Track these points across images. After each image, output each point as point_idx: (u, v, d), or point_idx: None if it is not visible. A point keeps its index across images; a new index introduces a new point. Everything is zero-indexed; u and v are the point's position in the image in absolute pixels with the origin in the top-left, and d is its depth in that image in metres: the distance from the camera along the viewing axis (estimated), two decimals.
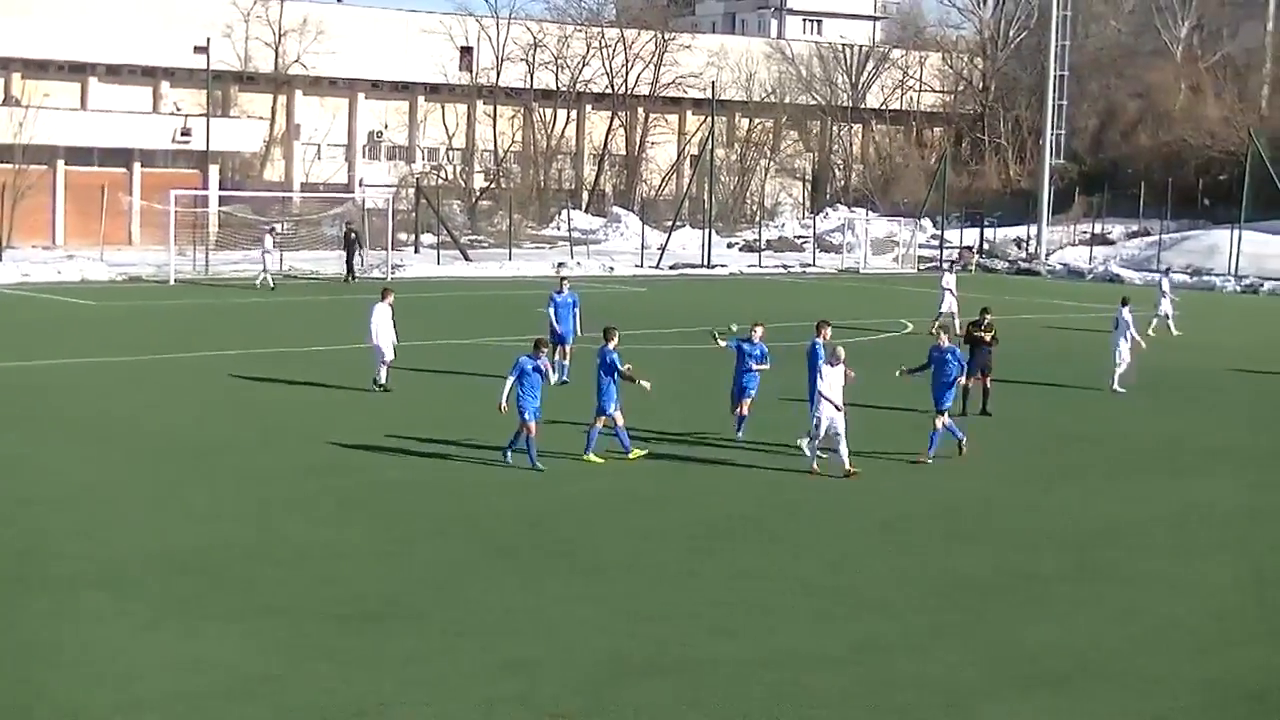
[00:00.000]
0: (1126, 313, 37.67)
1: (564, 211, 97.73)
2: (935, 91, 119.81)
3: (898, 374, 28.89)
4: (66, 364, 39.28)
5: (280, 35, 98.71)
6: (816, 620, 18.25)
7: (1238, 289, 75.35)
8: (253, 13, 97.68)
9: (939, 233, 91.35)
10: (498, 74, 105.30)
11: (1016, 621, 18.39)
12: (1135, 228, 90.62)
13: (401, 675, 15.90)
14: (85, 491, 24.40)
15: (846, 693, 15.82)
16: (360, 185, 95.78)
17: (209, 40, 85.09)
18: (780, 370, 31.23)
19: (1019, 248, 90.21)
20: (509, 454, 26.59)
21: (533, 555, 20.95)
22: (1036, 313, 58.98)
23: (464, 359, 40.50)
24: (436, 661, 16.41)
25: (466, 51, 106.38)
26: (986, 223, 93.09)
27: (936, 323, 42.22)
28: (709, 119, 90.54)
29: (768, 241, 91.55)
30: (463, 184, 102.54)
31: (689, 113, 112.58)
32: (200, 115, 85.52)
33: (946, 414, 28.07)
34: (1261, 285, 75.09)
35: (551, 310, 37.44)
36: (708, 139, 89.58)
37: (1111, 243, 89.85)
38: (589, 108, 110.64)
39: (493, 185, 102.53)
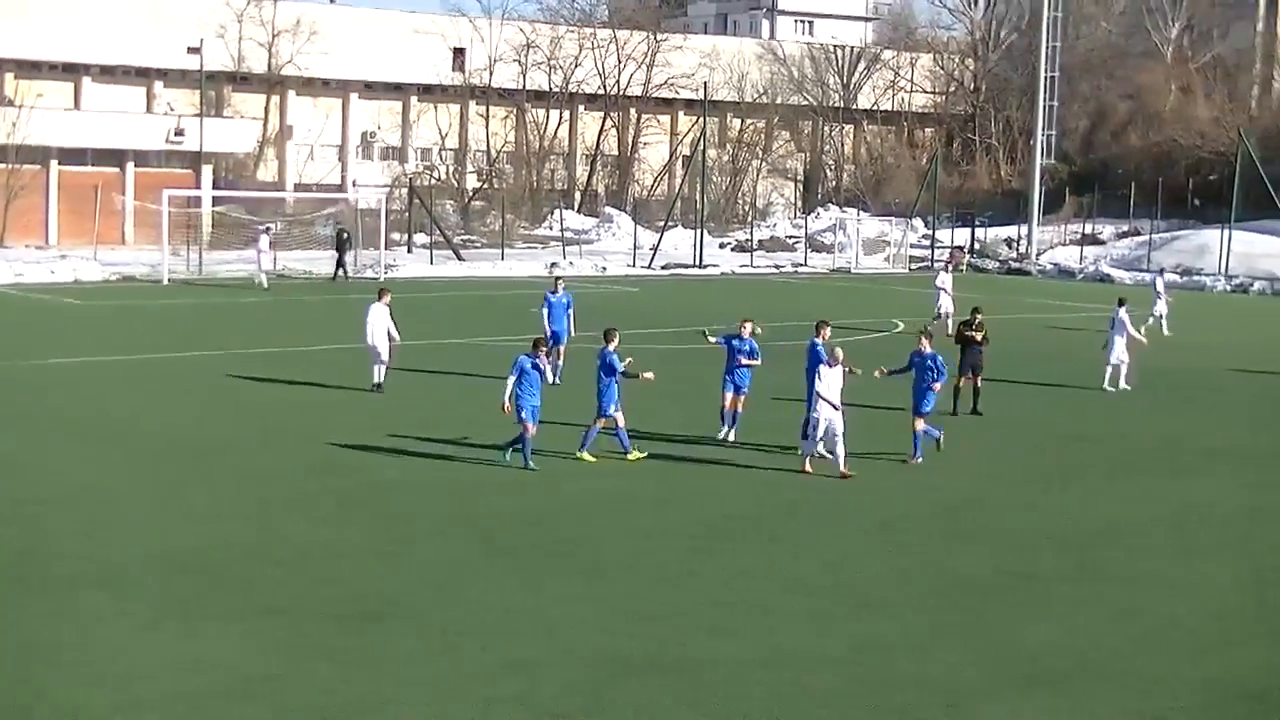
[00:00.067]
0: (1123, 313, 37.71)
1: (556, 212, 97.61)
2: (926, 92, 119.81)
3: (876, 374, 28.63)
4: (62, 363, 39.16)
5: (273, 36, 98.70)
6: (816, 620, 18.20)
7: (1228, 289, 75.39)
8: (246, 13, 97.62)
9: (930, 233, 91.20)
10: (490, 74, 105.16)
11: (1016, 621, 18.35)
12: (1125, 228, 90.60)
13: (401, 675, 15.84)
14: (85, 491, 24.32)
15: (846, 693, 15.78)
16: (353, 185, 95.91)
17: (202, 41, 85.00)
18: (774, 370, 31.19)
19: (1010, 248, 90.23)
20: (508, 454, 26.54)
21: (533, 555, 20.88)
22: (1028, 313, 58.97)
23: (460, 359, 40.45)
24: (436, 661, 16.35)
25: (459, 52, 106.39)
26: (977, 223, 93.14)
27: (932, 323, 42.24)
28: (701, 119, 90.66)
29: (759, 242, 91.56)
30: (456, 184, 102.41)
31: (681, 113, 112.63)
32: (194, 115, 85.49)
33: (924, 418, 27.94)
34: (1251, 285, 75.18)
35: (545, 310, 37.35)
36: (700, 139, 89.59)
37: (1102, 243, 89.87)
38: (581, 108, 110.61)
39: (485, 185, 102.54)
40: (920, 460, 27.73)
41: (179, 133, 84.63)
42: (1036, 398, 37.10)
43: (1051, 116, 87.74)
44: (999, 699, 15.81)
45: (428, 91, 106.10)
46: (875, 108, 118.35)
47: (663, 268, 79.49)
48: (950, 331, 41.50)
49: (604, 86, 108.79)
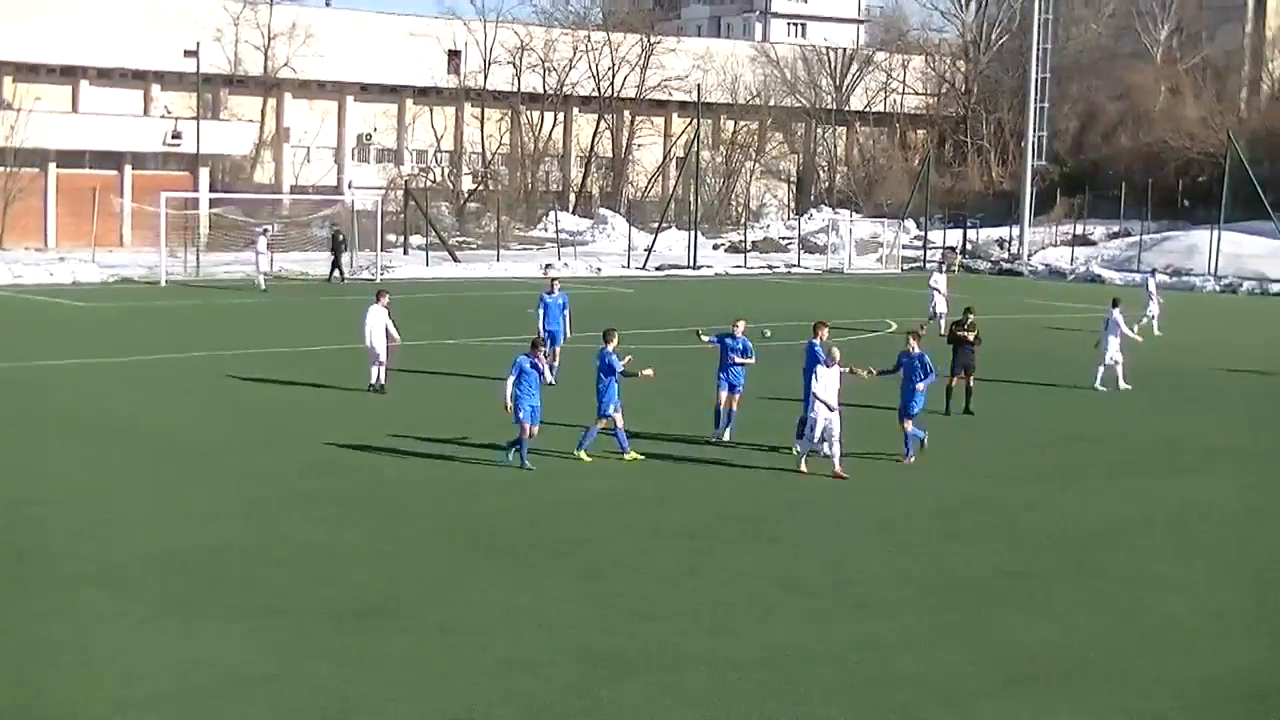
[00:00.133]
0: (1117, 313, 37.68)
1: (551, 213, 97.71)
2: (918, 94, 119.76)
3: (865, 374, 28.39)
4: (62, 364, 39.04)
5: (270, 39, 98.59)
6: (816, 620, 18.07)
7: (1217, 289, 75.45)
8: (242, 16, 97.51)
9: (922, 234, 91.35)
10: (485, 77, 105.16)
11: (1016, 621, 18.21)
12: (1116, 228, 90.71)
13: (401, 675, 15.72)
14: (85, 491, 24.17)
15: (846, 692, 15.65)
16: (349, 187, 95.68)
17: (199, 44, 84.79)
18: (767, 370, 31.07)
19: (1001, 248, 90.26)
20: (510, 454, 26.41)
21: (532, 555, 20.73)
22: (1020, 313, 58.92)
23: (457, 359, 40.39)
24: (436, 661, 16.23)
25: (454, 55, 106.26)
26: (969, 224, 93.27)
27: (927, 323, 42.12)
28: (694, 121, 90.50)
29: (753, 242, 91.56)
30: (451, 186, 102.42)
31: (675, 115, 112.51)
32: (190, 118, 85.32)
33: (913, 419, 27.78)
34: (1240, 285, 75.24)
35: (540, 311, 37.23)
36: (693, 141, 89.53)
37: (1093, 243, 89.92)
38: (576, 110, 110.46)
39: (481, 187, 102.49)
40: (913, 459, 27.60)
41: (176, 135, 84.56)
42: (1035, 397, 36.98)
43: (1042, 118, 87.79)
44: (999, 699, 15.68)
45: (423, 94, 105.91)
46: (868, 109, 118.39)
47: (657, 269, 79.48)
48: (943, 332, 41.45)
49: (598, 89, 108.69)
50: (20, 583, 18.79)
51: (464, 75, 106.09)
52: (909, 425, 27.69)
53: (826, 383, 26.08)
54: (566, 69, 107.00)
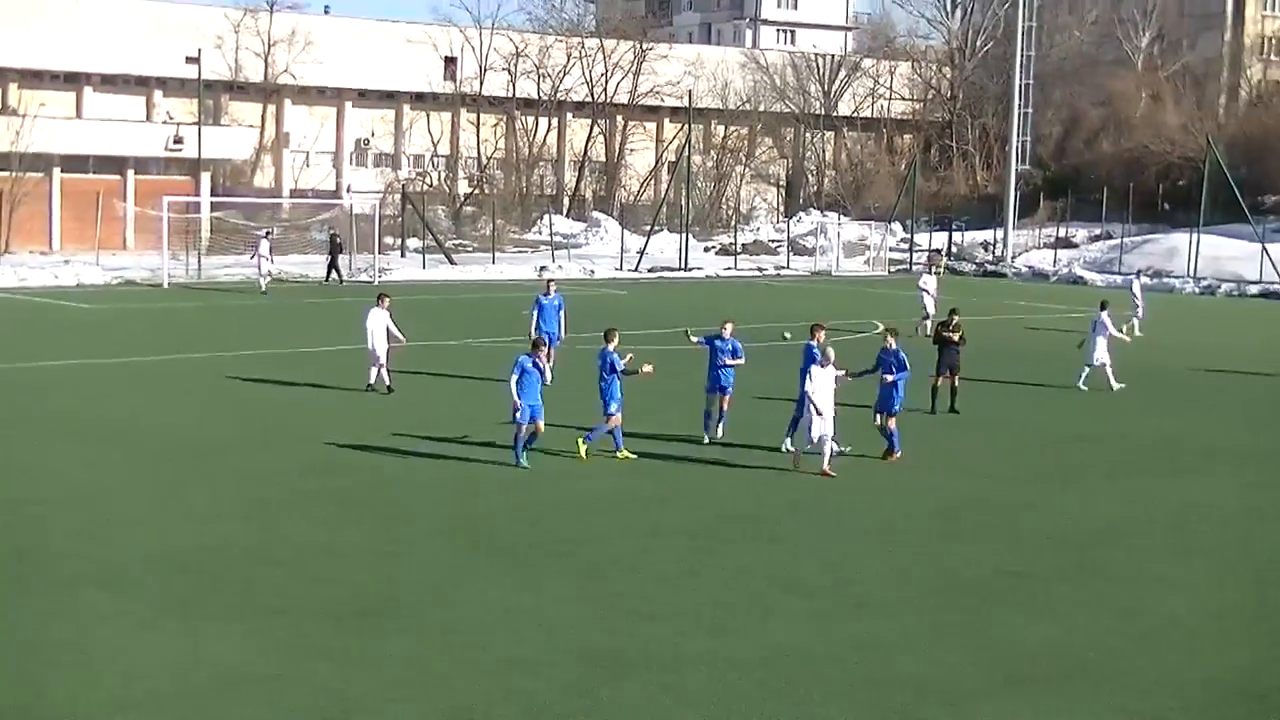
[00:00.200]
0: (1105, 315, 37.47)
1: (545, 216, 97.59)
2: (905, 100, 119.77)
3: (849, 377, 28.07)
4: (65, 365, 38.68)
5: (269, 46, 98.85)
6: (816, 620, 17.71)
7: (1196, 290, 75.42)
8: (243, 24, 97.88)
9: (909, 236, 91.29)
10: (481, 83, 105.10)
11: (1016, 621, 17.82)
12: (1098, 231, 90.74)
13: (401, 675, 15.40)
14: (85, 491, 23.78)
15: (846, 692, 15.32)
16: (348, 191, 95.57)
17: (200, 51, 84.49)
18: (757, 370, 30.78)
19: (986, 251, 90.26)
20: (523, 457, 26.02)
21: (532, 555, 20.34)
22: (1005, 314, 58.72)
23: (456, 360, 40.10)
24: (436, 661, 15.90)
25: (450, 61, 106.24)
26: (955, 226, 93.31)
27: (920, 323, 41.84)
28: (686, 126, 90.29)
29: (743, 245, 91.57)
30: (447, 190, 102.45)
31: (667, 120, 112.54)
32: (192, 124, 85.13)
33: (895, 417, 27.51)
34: (1219, 287, 75.22)
35: (535, 312, 36.97)
36: (685, 146, 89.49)
37: (1075, 246, 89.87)
38: (569, 116, 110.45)
39: (476, 191, 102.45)
40: (900, 454, 27.29)
41: (178, 140, 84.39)
42: (1030, 397, 36.60)
43: (1026, 123, 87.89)
44: (999, 699, 15.33)
45: (420, 99, 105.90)
46: (855, 115, 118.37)
47: (649, 270, 79.38)
48: (929, 332, 41.25)
49: (591, 94, 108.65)
50: (20, 583, 18.45)
51: (460, 81, 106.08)
52: (892, 423, 27.40)
53: (820, 383, 25.75)
54: (560, 75, 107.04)
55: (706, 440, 28.63)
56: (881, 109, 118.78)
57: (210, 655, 15.83)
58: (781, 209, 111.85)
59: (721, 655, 16.22)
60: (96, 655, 15.78)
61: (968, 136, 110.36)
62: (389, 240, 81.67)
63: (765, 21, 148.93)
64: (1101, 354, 37.18)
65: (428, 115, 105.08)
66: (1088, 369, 37.29)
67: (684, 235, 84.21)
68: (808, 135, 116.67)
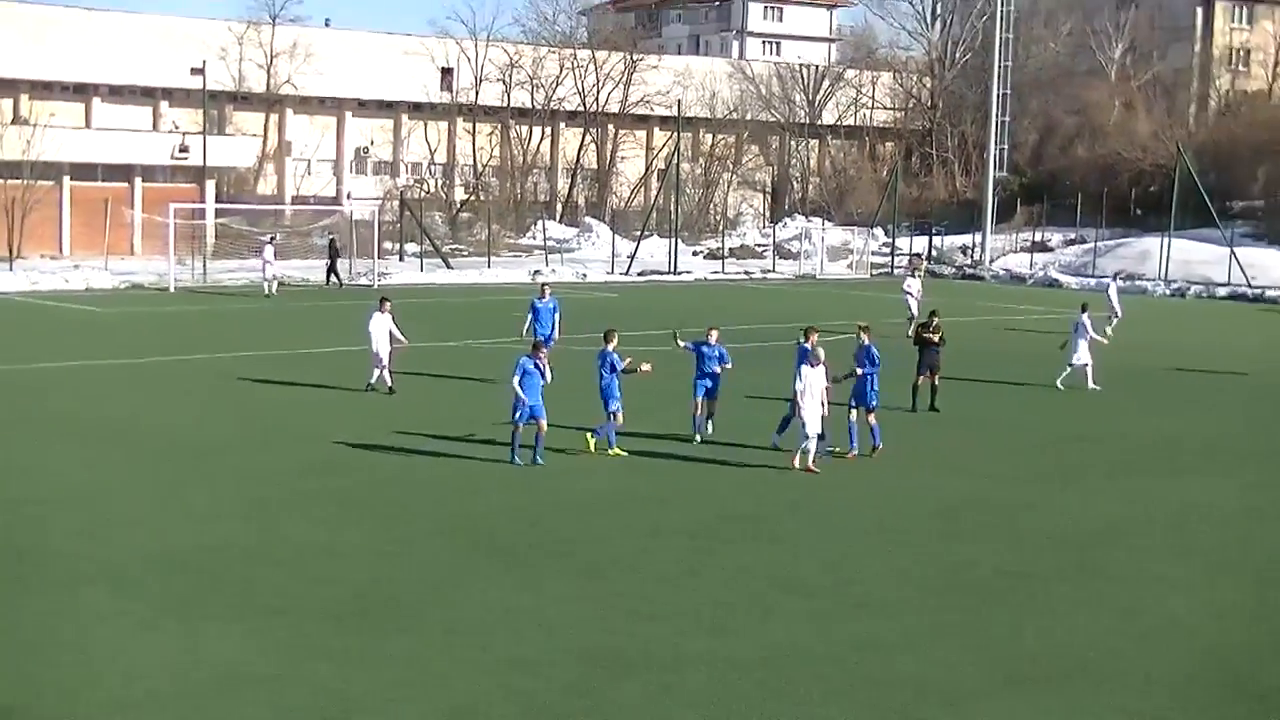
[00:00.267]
0: (1085, 317, 37.29)
1: (539, 222, 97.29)
2: (887, 109, 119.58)
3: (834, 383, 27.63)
4: (67, 366, 38.10)
5: (272, 57, 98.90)
6: (816, 620, 17.18)
7: (1167, 293, 75.39)
8: (246, 36, 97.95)
9: (890, 241, 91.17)
10: (476, 93, 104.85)
11: (1016, 621, 17.28)
12: (1072, 235, 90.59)
13: (401, 675, 14.95)
14: (85, 491, 23.21)
15: (846, 692, 14.83)
16: (348, 198, 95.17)
17: (205, 62, 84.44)
18: (749, 370, 30.34)
19: (965, 254, 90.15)
20: (538, 457, 25.52)
21: (532, 555, 19.79)
22: (983, 315, 58.41)
23: (454, 361, 39.66)
24: (436, 661, 15.44)
25: (447, 72, 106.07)
26: (935, 231, 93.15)
27: (906, 324, 41.50)
28: (675, 135, 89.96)
29: (730, 249, 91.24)
30: (444, 196, 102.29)
31: (656, 129, 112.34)
32: (197, 133, 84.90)
33: (874, 412, 27.24)
34: (1189, 289, 75.24)
35: (530, 315, 36.59)
36: (674, 154, 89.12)
37: (1051, 249, 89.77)
38: (562, 125, 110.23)
39: (472, 197, 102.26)
40: (881, 445, 26.96)
41: (183, 149, 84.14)
42: (1033, 397, 36.03)
43: (1004, 131, 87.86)
44: (999, 699, 14.85)
45: (418, 109, 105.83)
46: (839, 123, 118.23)
47: (639, 274, 79.16)
48: (910, 334, 40.97)
49: (584, 104, 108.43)
50: (20, 583, 17.97)
51: (456, 92, 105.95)
52: (871, 418, 27.18)
53: (811, 382, 25.45)
54: (553, 85, 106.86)
55: (698, 440, 28.23)
56: (864, 118, 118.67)
57: (210, 655, 15.45)
58: (767, 214, 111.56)
59: (721, 655, 15.77)
60: (96, 655, 15.40)
61: (947, 144, 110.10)
62: (388, 245, 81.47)
63: (751, 33, 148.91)
64: (1083, 355, 36.97)
65: (425, 124, 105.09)
66: (1069, 368, 36.97)
67: (673, 240, 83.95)
68: (793, 143, 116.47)
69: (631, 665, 15.41)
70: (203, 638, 15.95)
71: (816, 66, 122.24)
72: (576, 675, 15.09)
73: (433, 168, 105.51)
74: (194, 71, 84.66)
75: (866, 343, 27.56)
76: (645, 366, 27.10)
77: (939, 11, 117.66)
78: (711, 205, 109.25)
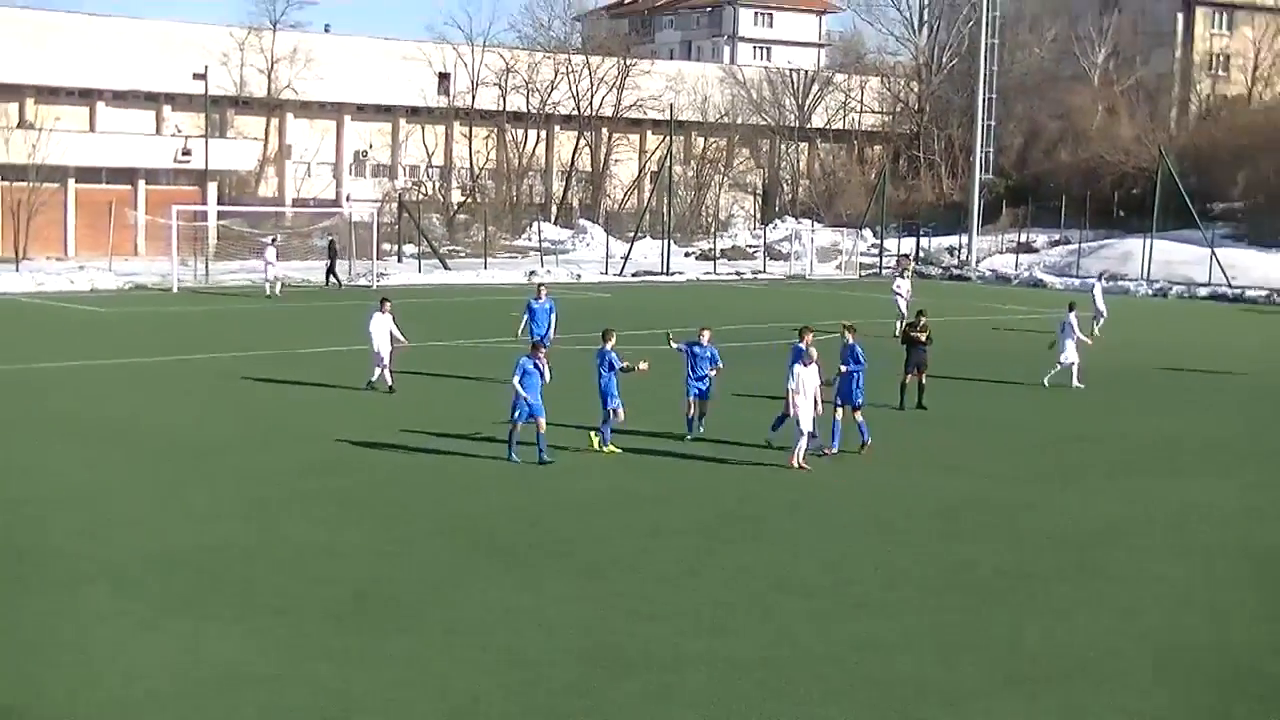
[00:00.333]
0: (1073, 317, 37.15)
1: (535, 224, 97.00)
2: (875, 113, 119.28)
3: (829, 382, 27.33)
4: (69, 366, 37.73)
5: (273, 63, 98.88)
6: (816, 619, 16.85)
7: (1150, 293, 75.30)
8: (247, 42, 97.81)
9: (879, 242, 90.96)
10: (473, 98, 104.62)
11: (1016, 621, 16.94)
12: (1057, 237, 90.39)
13: (401, 675, 14.66)
14: (85, 491, 22.86)
15: (846, 692, 14.52)
16: (347, 200, 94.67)
17: (207, 68, 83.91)
18: (742, 369, 30.01)
19: (951, 255, 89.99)
20: (544, 455, 25.20)
21: (532, 554, 19.45)
22: (969, 314, 58.20)
23: (453, 361, 39.33)
24: (436, 660, 15.15)
25: (444, 77, 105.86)
26: (922, 232, 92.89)
27: (901, 323, 41.33)
28: (667, 138, 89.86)
29: (722, 250, 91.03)
30: (441, 199, 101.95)
31: (649, 132, 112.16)
32: (199, 137, 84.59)
33: (860, 410, 27.05)
34: (1170, 289, 75.18)
35: (526, 315, 36.30)
36: (666, 157, 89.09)
37: (1035, 251, 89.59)
38: (557, 128, 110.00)
39: (469, 200, 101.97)
40: (871, 442, 26.72)
41: (186, 153, 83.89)
42: (1032, 397, 35.65)
43: (989, 135, 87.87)
44: (999, 699, 14.53)
45: (416, 113, 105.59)
46: (828, 127, 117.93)
47: (633, 275, 78.98)
48: (897, 333, 40.74)
49: (578, 108, 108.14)
50: (20, 583, 17.66)
51: (453, 96, 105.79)
52: (858, 415, 26.97)
53: (804, 380, 25.23)
54: (548, 90, 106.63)
55: (689, 437, 28.00)
56: (853, 121, 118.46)
57: (210, 655, 15.19)
58: (758, 216, 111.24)
59: (721, 655, 15.47)
60: (96, 655, 15.15)
61: (934, 147, 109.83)
62: (386, 246, 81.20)
63: (743, 39, 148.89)
64: (1071, 354, 36.82)
65: (423, 128, 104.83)
66: (1058, 367, 36.79)
67: (666, 241, 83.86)
68: (783, 146, 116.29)
69: (631, 665, 15.12)
70: (203, 638, 15.69)
71: (806, 71, 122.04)
72: (576, 675, 14.81)
73: (430, 170, 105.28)
74: (196, 76, 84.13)
75: (851, 341, 27.39)
76: (643, 365, 26.92)
77: (926, 17, 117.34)
78: (703, 207, 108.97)
